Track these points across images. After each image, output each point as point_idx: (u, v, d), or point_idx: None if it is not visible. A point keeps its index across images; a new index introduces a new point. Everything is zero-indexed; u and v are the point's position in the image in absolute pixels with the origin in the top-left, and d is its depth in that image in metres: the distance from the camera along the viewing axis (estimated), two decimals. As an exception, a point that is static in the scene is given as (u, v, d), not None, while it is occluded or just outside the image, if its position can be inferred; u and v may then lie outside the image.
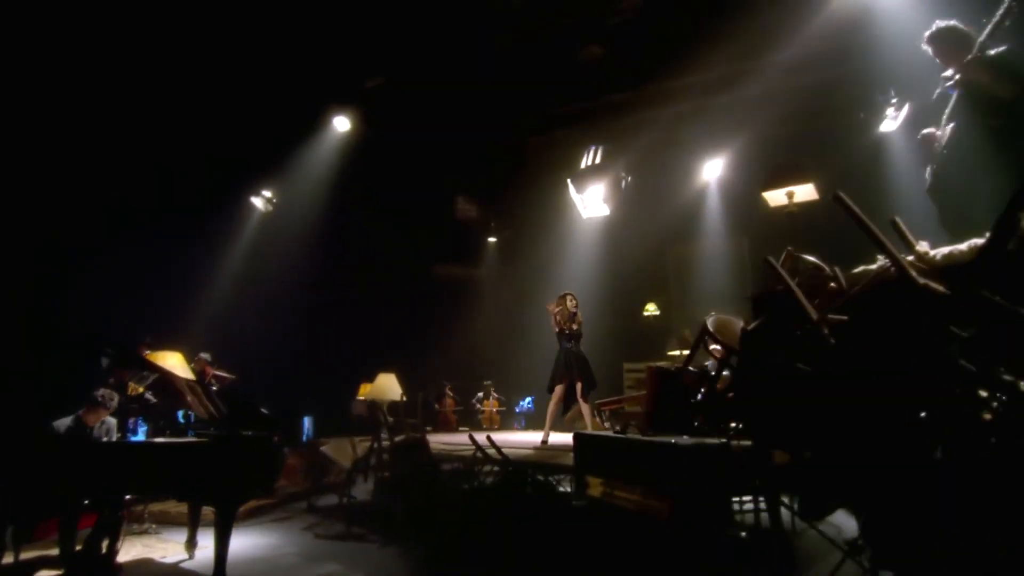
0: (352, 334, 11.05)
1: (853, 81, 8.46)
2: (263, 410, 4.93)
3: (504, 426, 11.65)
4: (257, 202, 10.35)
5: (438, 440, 7.26)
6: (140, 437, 6.47)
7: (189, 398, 5.65)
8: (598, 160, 9.55)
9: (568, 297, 7.09)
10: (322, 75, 9.09)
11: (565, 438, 7.16)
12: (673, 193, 11.84)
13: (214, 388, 8.72)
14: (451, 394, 12.21)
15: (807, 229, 10.82)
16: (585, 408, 6.81)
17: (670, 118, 10.41)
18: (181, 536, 5.72)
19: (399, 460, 5.65)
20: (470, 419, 12.06)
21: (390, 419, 6.23)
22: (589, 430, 6.75)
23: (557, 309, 7.05)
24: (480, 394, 12.19)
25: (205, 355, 8.93)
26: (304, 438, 8.67)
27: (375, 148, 10.60)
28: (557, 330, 7.04)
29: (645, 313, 11.76)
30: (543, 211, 12.72)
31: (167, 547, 5.49)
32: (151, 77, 7.98)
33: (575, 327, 6.99)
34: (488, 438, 5.43)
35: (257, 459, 4.45)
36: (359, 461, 6.06)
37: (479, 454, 5.17)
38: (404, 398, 6.77)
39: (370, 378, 10.68)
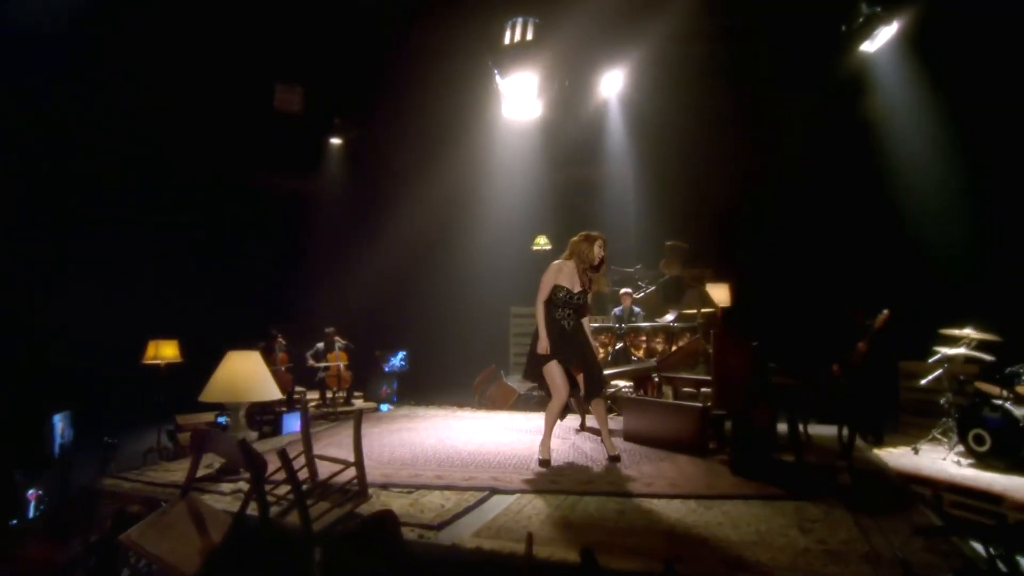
0: (126, 265, 6.67)
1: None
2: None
3: (364, 388, 8.34)
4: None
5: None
6: None
7: None
8: (528, 37, 6.44)
9: (599, 240, 3.95)
10: None
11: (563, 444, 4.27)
12: (569, 107, 9.15)
13: None
14: (284, 343, 8.40)
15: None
16: (597, 408, 3.96)
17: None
18: None
19: (341, 565, 2.38)
20: (309, 378, 8.47)
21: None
22: (608, 447, 3.98)
23: (567, 258, 4.02)
24: (320, 345, 8.57)
25: None
26: (56, 451, 4.50)
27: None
28: (552, 283, 3.98)
29: (534, 247, 9.16)
30: (406, 111, 9.16)
31: None
32: None
33: (575, 292, 3.94)
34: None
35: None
36: (222, 552, 2.59)
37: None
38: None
39: (157, 334, 6.66)
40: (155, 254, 7.46)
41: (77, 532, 3.51)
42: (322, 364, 8.29)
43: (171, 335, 6.55)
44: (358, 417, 2.99)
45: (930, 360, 5.36)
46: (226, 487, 3.33)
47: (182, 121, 7.84)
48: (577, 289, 3.92)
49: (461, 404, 7.04)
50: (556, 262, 4.04)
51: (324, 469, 3.31)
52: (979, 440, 4.83)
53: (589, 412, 5.22)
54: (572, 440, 4.50)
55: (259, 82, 8.57)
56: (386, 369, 8.08)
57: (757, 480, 3.30)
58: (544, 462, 3.79)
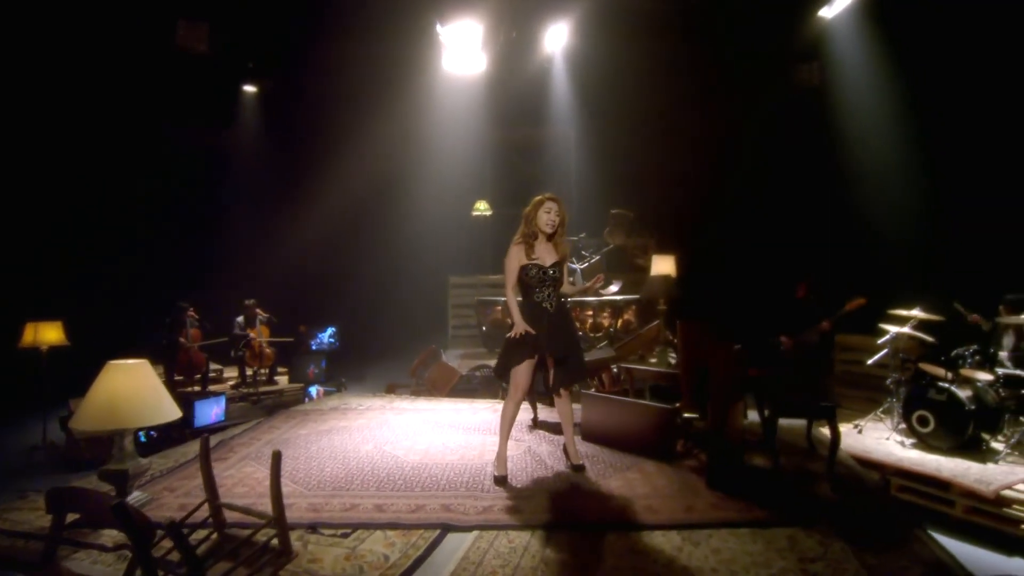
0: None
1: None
2: None
3: (289, 367, 7.53)
4: None
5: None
6: None
7: None
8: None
9: (545, 204, 3.34)
10: None
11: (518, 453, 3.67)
12: (512, 61, 8.34)
13: None
14: (196, 318, 7.40)
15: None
16: (563, 406, 3.53)
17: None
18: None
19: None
20: (225, 356, 7.58)
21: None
22: (571, 454, 3.51)
23: (527, 232, 3.40)
24: (240, 319, 7.65)
25: None
26: None
27: None
28: (517, 266, 3.36)
29: (474, 213, 8.50)
30: (334, 57, 8.06)
31: None
32: None
33: (547, 266, 3.35)
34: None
35: None
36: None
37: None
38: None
39: (36, 314, 5.61)
40: (31, 221, 6.25)
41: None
42: (244, 335, 7.41)
43: (54, 316, 5.54)
44: (276, 458, 2.35)
45: (879, 340, 5.25)
46: (110, 537, 2.63)
47: (66, 59, 6.51)
48: (550, 262, 3.37)
49: (396, 387, 6.43)
50: (516, 239, 3.41)
51: (238, 504, 2.66)
52: (923, 421, 4.77)
53: (542, 403, 4.76)
54: (527, 443, 4.00)
55: (159, 16, 7.25)
56: (313, 346, 7.31)
57: (737, 498, 2.95)
58: (500, 479, 3.28)
